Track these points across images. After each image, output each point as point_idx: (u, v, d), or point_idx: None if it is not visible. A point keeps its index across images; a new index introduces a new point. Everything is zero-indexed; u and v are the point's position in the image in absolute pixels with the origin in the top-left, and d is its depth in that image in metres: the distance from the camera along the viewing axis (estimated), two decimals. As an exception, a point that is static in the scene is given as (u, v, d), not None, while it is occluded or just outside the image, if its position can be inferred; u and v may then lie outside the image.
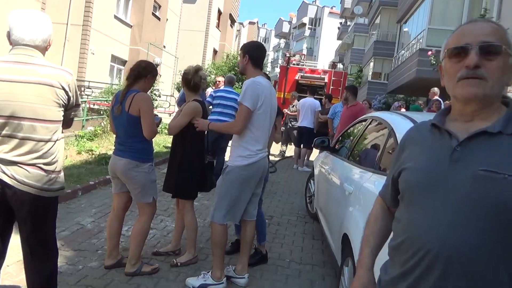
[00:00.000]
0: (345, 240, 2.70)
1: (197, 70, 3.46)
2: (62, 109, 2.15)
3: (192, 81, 3.42)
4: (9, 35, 2.07)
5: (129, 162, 3.05)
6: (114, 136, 3.28)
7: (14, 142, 2.00)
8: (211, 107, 5.95)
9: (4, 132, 1.99)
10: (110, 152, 6.69)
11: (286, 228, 4.85)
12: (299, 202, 6.13)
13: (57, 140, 2.15)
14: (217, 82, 7.97)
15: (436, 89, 8.37)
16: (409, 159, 1.20)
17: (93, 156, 7.42)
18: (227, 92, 6.10)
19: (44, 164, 2.08)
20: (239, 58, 3.26)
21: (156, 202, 3.31)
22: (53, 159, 2.13)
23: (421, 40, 13.04)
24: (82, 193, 5.31)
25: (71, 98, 2.18)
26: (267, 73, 6.64)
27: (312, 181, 5.42)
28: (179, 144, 3.44)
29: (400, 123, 2.85)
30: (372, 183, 2.64)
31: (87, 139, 8.72)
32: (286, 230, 4.76)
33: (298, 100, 9.92)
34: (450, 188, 1.04)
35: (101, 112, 11.38)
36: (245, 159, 2.99)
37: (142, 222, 3.22)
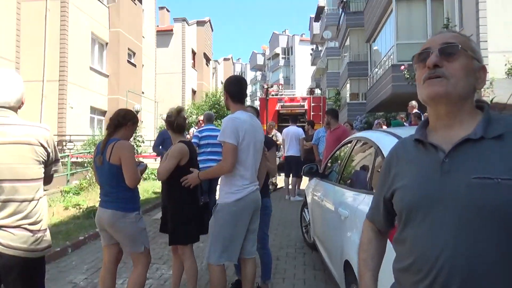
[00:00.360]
0: (347, 267, 2.63)
1: (179, 111, 3.47)
2: (42, 166, 2.11)
3: (176, 122, 3.41)
4: None
5: (115, 213, 2.97)
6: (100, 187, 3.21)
7: None
8: (197, 147, 5.92)
9: None
10: (98, 205, 6.55)
11: (285, 261, 4.74)
12: (295, 233, 6.04)
13: (39, 198, 2.10)
14: (200, 122, 8.01)
15: (414, 102, 8.53)
16: (399, 178, 1.20)
17: (81, 210, 7.25)
18: (211, 130, 6.12)
19: (29, 224, 2.02)
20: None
21: (149, 250, 3.21)
22: (37, 218, 2.07)
23: (391, 56, 13.41)
24: (72, 250, 5.13)
25: (50, 154, 2.15)
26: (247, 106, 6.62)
27: (306, 210, 5.36)
28: (169, 188, 3.36)
29: (385, 140, 2.85)
30: (367, 204, 2.59)
31: (73, 194, 8.56)
32: (286, 264, 4.65)
33: (278, 130, 9.99)
34: (448, 201, 1.04)
35: (85, 164, 11.23)
36: (233, 195, 2.95)
37: (137, 273, 3.10)
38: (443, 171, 1.07)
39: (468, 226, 1.00)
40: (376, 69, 16.44)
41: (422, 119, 7.70)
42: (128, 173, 2.95)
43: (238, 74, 74.79)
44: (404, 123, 9.05)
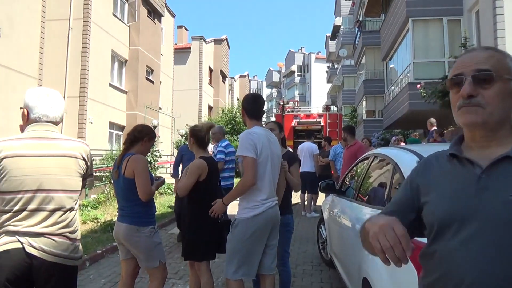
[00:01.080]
0: (366, 285, 2.60)
1: (210, 127, 3.54)
2: (81, 178, 2.25)
3: (206, 137, 3.48)
4: (27, 113, 2.18)
5: (129, 227, 3.02)
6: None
7: (43, 214, 2.06)
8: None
9: (30, 206, 2.05)
10: (115, 219, 6.62)
11: (302, 278, 4.69)
12: (312, 249, 5.98)
13: (77, 209, 2.25)
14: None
15: (433, 120, 8.47)
16: (431, 189, 1.17)
17: (99, 224, 7.33)
18: (231, 145, 6.19)
19: (69, 232, 2.16)
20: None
21: (165, 265, 3.22)
22: (75, 227, 2.21)
23: (408, 75, 13.36)
24: (90, 264, 5.18)
25: (88, 168, 2.30)
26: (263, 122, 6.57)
27: (322, 226, 5.32)
28: (189, 203, 3.38)
29: (403, 157, 2.85)
30: (385, 221, 2.60)
31: (91, 208, 8.65)
32: (303, 281, 4.60)
33: (293, 146, 9.97)
34: (483, 217, 1.02)
35: (103, 178, 11.38)
36: (251, 211, 2.95)
37: (154, 288, 3.11)
38: (479, 186, 1.05)
39: (502, 243, 0.98)
40: (393, 87, 16.38)
41: (444, 136, 7.65)
42: (141, 186, 3.00)
43: (254, 90, 75.38)
44: (421, 141, 8.97)
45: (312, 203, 9.30)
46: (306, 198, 9.30)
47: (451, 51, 11.91)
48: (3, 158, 2.02)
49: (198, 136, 3.47)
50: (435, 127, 8.29)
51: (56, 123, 2.23)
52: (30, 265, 2.01)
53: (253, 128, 3.09)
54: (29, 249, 2.00)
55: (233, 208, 3.38)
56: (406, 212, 1.24)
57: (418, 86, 11.01)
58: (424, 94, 10.29)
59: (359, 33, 24.27)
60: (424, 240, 1.21)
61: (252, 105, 3.23)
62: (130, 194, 3.03)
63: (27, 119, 2.19)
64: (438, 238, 1.11)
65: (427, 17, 13.03)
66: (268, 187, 3.02)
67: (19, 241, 2.01)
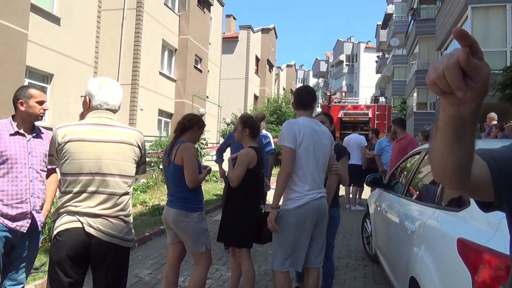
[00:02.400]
0: (413, 284, 2.52)
1: (263, 117, 3.57)
2: (135, 165, 2.35)
3: (259, 127, 3.53)
4: (88, 100, 2.32)
5: (178, 212, 3.10)
6: (166, 186, 3.37)
7: (101, 197, 2.18)
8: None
9: (90, 188, 2.17)
10: (163, 203, 6.83)
11: (345, 272, 4.63)
12: (356, 243, 5.88)
13: (130, 193, 2.36)
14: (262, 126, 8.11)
15: (493, 114, 7.98)
16: None
17: (147, 207, 7.62)
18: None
19: (125, 215, 2.27)
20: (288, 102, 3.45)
21: (210, 251, 3.28)
22: (129, 210, 2.33)
23: (465, 66, 12.67)
24: (139, 245, 5.40)
25: (142, 155, 2.41)
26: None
27: (368, 221, 5.21)
28: (236, 192, 3.40)
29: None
30: (436, 219, 2.49)
31: (140, 192, 9.00)
32: (346, 275, 4.54)
33: (340, 137, 9.78)
34: None
35: (152, 164, 11.78)
36: (294, 202, 2.93)
37: (198, 273, 3.19)
38: None
39: None
40: (447, 78, 15.60)
41: (504, 131, 7.18)
42: (189, 173, 3.07)
43: (300, 80, 74.68)
44: (480, 136, 8.48)
45: (357, 197, 9.12)
46: (351, 191, 9.14)
47: (514, 40, 11.14)
48: (67, 142, 2.16)
49: (254, 126, 3.49)
50: (495, 122, 7.81)
51: (114, 111, 2.36)
52: (89, 244, 2.14)
53: (298, 118, 3.10)
54: (88, 229, 2.13)
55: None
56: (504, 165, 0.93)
57: (476, 77, 10.41)
58: (482, 86, 9.72)
59: (412, 21, 23.24)
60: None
61: (302, 95, 3.25)
62: (180, 180, 3.11)
63: (89, 106, 2.32)
64: None
65: (489, 3, 12.23)
66: (312, 177, 2.97)
67: (79, 220, 2.14)
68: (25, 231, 2.60)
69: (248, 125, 3.47)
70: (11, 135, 2.59)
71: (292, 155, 2.90)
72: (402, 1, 31.47)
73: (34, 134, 2.71)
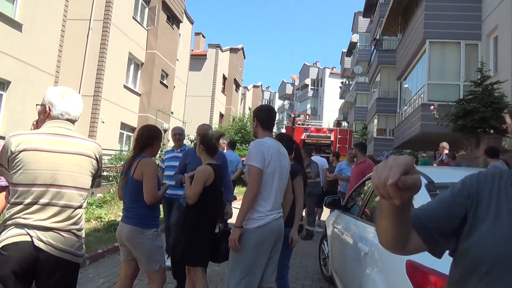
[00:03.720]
0: (365, 305, 2.56)
1: (220, 136, 3.56)
2: (91, 178, 2.28)
3: (215, 145, 3.50)
4: (48, 109, 2.23)
5: (133, 229, 3.03)
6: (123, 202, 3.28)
7: (54, 209, 2.09)
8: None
9: (42, 200, 2.08)
10: (119, 219, 6.64)
11: (301, 293, 4.63)
12: (313, 264, 5.92)
13: (85, 207, 2.28)
14: (222, 144, 8.17)
15: (445, 143, 8.40)
16: (489, 213, 1.00)
17: (102, 223, 7.35)
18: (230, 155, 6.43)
19: (77, 230, 2.19)
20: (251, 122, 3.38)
21: (165, 269, 3.21)
22: (82, 225, 2.24)
23: (422, 96, 13.30)
24: (90, 262, 5.19)
25: (99, 168, 2.34)
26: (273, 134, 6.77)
27: (325, 242, 5.27)
28: (192, 209, 3.37)
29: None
30: (388, 242, 2.56)
31: (96, 206, 8.69)
32: (301, 295, 4.54)
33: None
34: None
35: (110, 178, 11.44)
36: (255, 221, 2.92)
37: (152, 292, 3.10)
38: None
39: None
40: (406, 107, 16.31)
41: (456, 159, 7.55)
42: (148, 189, 3.02)
43: (266, 101, 75.55)
44: (432, 163, 8.88)
45: (317, 218, 9.22)
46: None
47: (467, 74, 11.86)
48: (21, 151, 2.07)
49: (209, 143, 3.49)
50: (447, 151, 8.21)
51: (74, 121, 2.30)
52: (37, 258, 2.03)
53: (264, 138, 3.08)
54: (37, 243, 2.03)
55: (233, 217, 3.36)
56: (446, 219, 1.06)
57: (432, 107, 10.96)
58: (437, 116, 10.23)
59: (375, 51, 24.28)
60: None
61: (267, 115, 3.24)
62: (137, 195, 3.05)
63: (48, 115, 2.24)
64: (484, 278, 0.96)
65: (445, 39, 13.00)
66: (274, 198, 3.00)
67: (28, 234, 2.03)
68: None
69: (203, 142, 3.50)
70: None
71: (260, 175, 2.90)
72: (366, 31, 32.89)
73: None
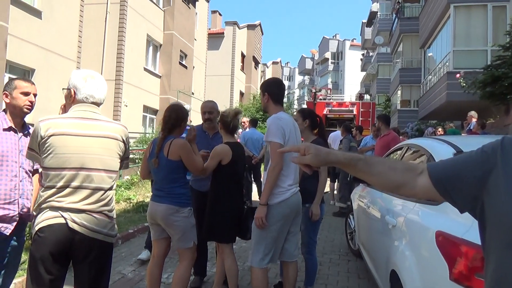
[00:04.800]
0: (394, 277, 2.56)
1: (236, 113, 3.54)
2: (120, 160, 2.32)
3: (232, 123, 3.48)
4: (73, 93, 2.25)
5: (169, 208, 3.07)
6: (150, 183, 3.33)
7: (85, 192, 2.14)
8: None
9: (73, 183, 2.13)
10: (148, 200, 6.79)
11: (328, 267, 4.68)
12: (339, 238, 5.95)
13: (114, 188, 2.33)
14: (243, 123, 8.19)
15: (473, 112, 8.15)
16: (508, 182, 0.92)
17: (131, 204, 7.55)
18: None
19: (108, 211, 2.24)
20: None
21: (196, 246, 3.28)
22: (113, 206, 2.30)
23: (447, 64, 12.86)
24: (122, 242, 5.36)
25: (126, 150, 2.37)
26: (294, 110, 6.63)
27: (351, 216, 5.27)
28: (214, 188, 3.42)
29: (438, 148, 2.77)
30: (416, 213, 2.54)
31: (124, 188, 8.91)
32: (329, 270, 4.59)
33: (325, 134, 9.84)
34: None
35: (136, 160, 11.67)
36: (277, 197, 2.91)
37: (183, 268, 3.18)
38: None
39: None
40: (430, 76, 15.84)
41: (485, 128, 7.33)
42: (193, 166, 3.13)
43: (286, 77, 74.78)
44: (460, 132, 8.66)
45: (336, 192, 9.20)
46: (336, 187, 9.22)
47: (495, 39, 11.34)
48: (50, 136, 2.11)
49: (224, 121, 3.51)
50: (475, 120, 7.97)
51: (99, 104, 2.31)
52: (72, 240, 2.10)
53: (280, 113, 3.03)
54: (71, 225, 2.09)
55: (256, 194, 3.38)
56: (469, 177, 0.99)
57: (458, 75, 10.60)
58: (464, 84, 9.90)
59: (396, 19, 23.49)
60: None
61: (278, 89, 3.16)
62: (172, 175, 3.10)
63: (73, 99, 2.26)
64: (507, 247, 0.90)
65: (470, 3, 12.43)
66: (294, 173, 3.00)
67: (62, 216, 2.09)
68: (8, 234, 2.48)
69: (220, 120, 3.54)
70: (4, 129, 2.46)
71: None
72: (387, -1, 31.79)
73: (25, 132, 2.61)
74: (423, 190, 1.08)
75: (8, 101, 2.50)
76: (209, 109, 3.98)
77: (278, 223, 2.92)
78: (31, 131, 2.61)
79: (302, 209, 3.59)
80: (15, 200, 2.47)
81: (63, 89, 2.36)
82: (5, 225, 2.43)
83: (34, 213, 2.21)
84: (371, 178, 1.18)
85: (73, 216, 2.10)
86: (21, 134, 2.57)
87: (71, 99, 2.28)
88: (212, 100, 4.27)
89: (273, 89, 3.14)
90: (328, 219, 7.29)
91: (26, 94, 2.56)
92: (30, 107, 2.61)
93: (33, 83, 2.68)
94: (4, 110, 2.57)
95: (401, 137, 8.47)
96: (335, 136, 9.10)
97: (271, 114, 3.06)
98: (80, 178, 2.14)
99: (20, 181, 2.52)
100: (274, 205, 2.92)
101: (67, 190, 2.12)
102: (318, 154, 1.19)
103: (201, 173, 3.20)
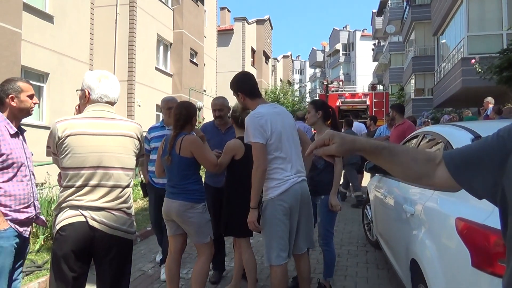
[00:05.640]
0: (414, 266, 2.54)
1: (243, 108, 3.53)
2: (135, 157, 2.35)
3: (240, 118, 3.47)
4: (87, 93, 2.28)
5: (184, 204, 3.09)
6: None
7: (104, 190, 2.18)
8: None
9: (92, 182, 2.17)
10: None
11: (347, 259, 4.66)
12: (357, 230, 5.91)
13: (131, 185, 2.35)
14: None
15: (489, 98, 7.98)
16: None
17: (148, 202, 7.62)
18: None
19: (127, 208, 2.28)
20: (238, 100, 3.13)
21: (213, 241, 3.30)
22: (131, 203, 2.33)
23: (461, 50, 12.62)
24: (141, 240, 5.43)
25: (142, 148, 2.41)
26: (306, 104, 6.44)
27: (368, 207, 5.23)
28: (229, 184, 3.43)
29: (456, 134, 2.72)
30: (435, 201, 2.50)
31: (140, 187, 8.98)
32: (348, 261, 4.57)
33: (339, 126, 9.77)
34: None
35: (151, 159, 11.77)
36: (276, 189, 2.84)
37: (202, 263, 3.20)
38: None
39: None
40: (444, 63, 15.57)
41: (502, 113, 7.16)
42: (207, 162, 3.15)
43: (297, 71, 74.41)
44: (477, 118, 8.50)
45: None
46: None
47: (510, 22, 11.09)
48: (67, 136, 2.14)
49: (234, 116, 3.55)
50: (491, 105, 7.81)
51: (113, 104, 2.35)
52: (93, 237, 2.14)
53: (257, 108, 2.91)
54: (91, 222, 2.13)
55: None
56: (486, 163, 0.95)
57: (473, 61, 10.40)
58: (479, 70, 9.71)
59: (407, 7, 23.14)
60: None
61: (248, 83, 3.05)
62: (186, 172, 3.12)
63: (88, 100, 2.29)
64: None
65: (484, -14, 12.18)
66: (291, 163, 2.88)
67: (82, 214, 2.14)
68: (27, 236, 2.50)
69: (231, 116, 3.59)
70: (11, 136, 2.41)
71: (263, 150, 2.78)
72: (397, -13, 31.31)
73: (24, 134, 2.57)
74: (441, 181, 1.06)
75: (15, 104, 2.44)
76: (218, 106, 4.02)
77: (284, 216, 2.84)
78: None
79: (318, 200, 3.59)
80: (31, 202, 2.49)
81: (77, 90, 2.40)
82: (26, 228, 2.47)
83: (55, 212, 2.25)
84: (393, 167, 1.13)
85: (93, 214, 2.14)
86: (21, 136, 2.54)
87: (85, 99, 2.31)
88: (222, 97, 4.29)
89: (243, 85, 3.03)
90: (344, 211, 7.24)
91: (31, 96, 2.53)
92: (32, 109, 2.59)
93: (29, 83, 2.63)
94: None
95: (423, 125, 8.29)
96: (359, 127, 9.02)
97: (252, 109, 2.95)
98: (98, 177, 2.17)
99: (32, 183, 2.54)
100: (275, 198, 2.84)
101: (86, 189, 2.16)
102: (343, 143, 1.11)
103: (215, 168, 3.21)
